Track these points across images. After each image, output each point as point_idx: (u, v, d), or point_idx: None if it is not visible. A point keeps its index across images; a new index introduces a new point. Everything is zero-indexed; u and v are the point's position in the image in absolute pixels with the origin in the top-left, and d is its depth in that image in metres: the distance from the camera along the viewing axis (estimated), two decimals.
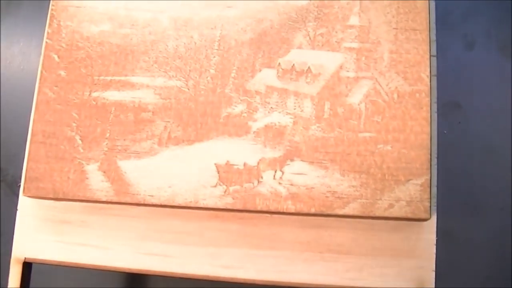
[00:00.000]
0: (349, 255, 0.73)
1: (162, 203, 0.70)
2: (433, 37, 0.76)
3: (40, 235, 0.75)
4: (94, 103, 0.73)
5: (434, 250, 0.73)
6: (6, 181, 1.25)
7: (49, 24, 0.76)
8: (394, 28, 0.74)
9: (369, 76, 0.73)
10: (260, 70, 0.74)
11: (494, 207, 0.83)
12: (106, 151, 0.72)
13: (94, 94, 0.74)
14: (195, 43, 0.75)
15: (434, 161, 0.74)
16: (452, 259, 0.85)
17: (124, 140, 0.72)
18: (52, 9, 0.76)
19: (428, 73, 0.73)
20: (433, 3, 0.78)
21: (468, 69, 0.87)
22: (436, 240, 0.73)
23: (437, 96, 0.76)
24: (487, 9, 0.91)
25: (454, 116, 0.84)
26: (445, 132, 0.80)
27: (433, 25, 0.77)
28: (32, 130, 0.73)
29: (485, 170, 0.85)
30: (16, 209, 0.76)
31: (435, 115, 0.75)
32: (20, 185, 0.74)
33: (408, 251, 0.73)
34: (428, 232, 0.73)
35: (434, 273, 0.72)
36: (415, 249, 0.73)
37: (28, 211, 0.75)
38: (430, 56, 0.74)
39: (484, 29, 0.90)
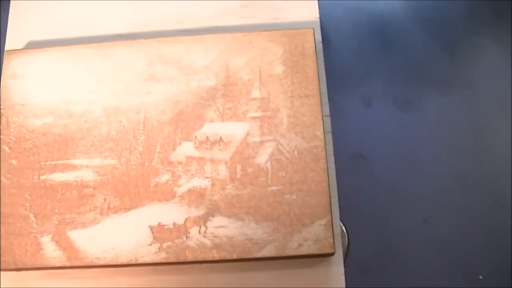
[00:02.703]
0: None
1: (108, 264, 0.81)
2: (325, 100, 0.90)
3: None
4: (43, 185, 0.85)
5: (344, 279, 0.85)
6: None
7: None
8: (290, 96, 0.88)
9: (272, 139, 0.86)
10: (180, 144, 0.86)
11: (402, 243, 0.94)
12: (56, 224, 0.83)
13: (43, 177, 0.86)
14: (124, 126, 0.87)
15: (336, 204, 0.86)
16: None
17: (71, 213, 0.84)
18: (2, 108, 0.89)
19: (322, 130, 0.86)
20: (322, 71, 0.92)
21: (368, 124, 0.99)
22: (344, 271, 0.85)
23: (344, 150, 0.88)
24: (380, 71, 1.04)
25: (360, 166, 0.96)
26: (353, 179, 0.92)
27: (324, 90, 0.91)
28: None
29: (391, 211, 0.96)
30: None
31: (332, 165, 0.88)
32: None
33: (320, 282, 0.85)
34: (336, 264, 0.85)
35: None
36: (326, 280, 0.85)
37: None
38: (323, 116, 0.87)
39: (379, 88, 1.03)
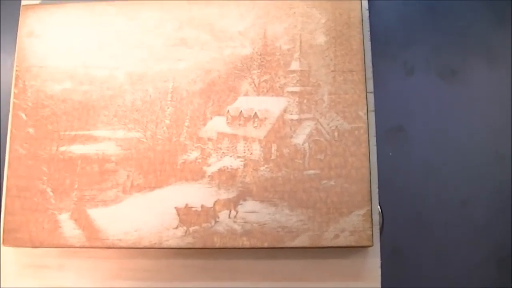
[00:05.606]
0: (302, 282, 0.80)
1: (130, 246, 0.76)
2: (369, 75, 0.82)
3: (22, 280, 0.81)
4: (61, 157, 0.79)
5: (380, 272, 0.79)
6: None
7: (15, 84, 0.82)
8: (332, 71, 0.80)
9: (311, 117, 0.79)
10: (211, 118, 0.80)
11: (438, 225, 0.89)
12: (75, 201, 0.78)
13: (61, 149, 0.80)
14: (150, 96, 0.81)
15: (375, 191, 0.80)
16: (401, 273, 0.91)
17: (91, 190, 0.78)
18: (16, 70, 0.82)
19: (365, 110, 0.79)
20: (368, 43, 0.84)
21: (409, 94, 0.92)
22: (381, 263, 0.79)
23: (382, 121, 0.82)
24: (424, 37, 0.96)
25: (398, 139, 0.90)
26: (390, 154, 0.86)
27: (369, 64, 0.83)
28: (7, 185, 0.79)
29: (427, 187, 0.91)
30: None
31: (374, 148, 0.81)
32: None
33: (355, 274, 0.80)
34: (373, 256, 0.80)
35: None
36: (362, 272, 0.80)
37: (10, 259, 0.82)
38: (367, 93, 0.80)
39: (422, 56, 0.95)
